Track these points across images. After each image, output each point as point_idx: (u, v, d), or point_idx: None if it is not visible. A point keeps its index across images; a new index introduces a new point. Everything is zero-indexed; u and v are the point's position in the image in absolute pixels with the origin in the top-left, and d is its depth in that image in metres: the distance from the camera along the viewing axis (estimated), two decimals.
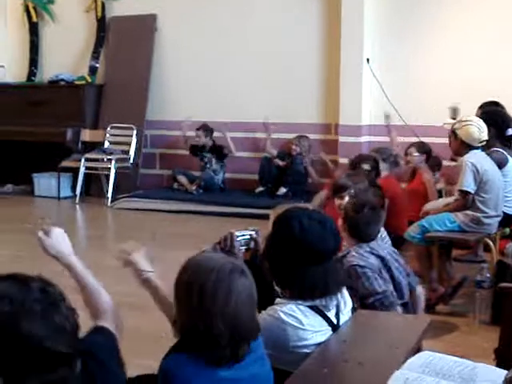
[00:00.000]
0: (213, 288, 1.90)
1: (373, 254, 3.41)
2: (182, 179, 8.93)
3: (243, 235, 2.61)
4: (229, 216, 7.86)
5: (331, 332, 2.44)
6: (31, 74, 10.27)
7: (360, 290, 3.24)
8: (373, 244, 3.48)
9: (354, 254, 3.37)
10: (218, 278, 1.91)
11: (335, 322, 2.47)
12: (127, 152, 9.24)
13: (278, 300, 2.45)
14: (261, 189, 8.67)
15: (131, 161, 9.24)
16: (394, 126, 7.84)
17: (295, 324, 2.37)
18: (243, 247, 2.59)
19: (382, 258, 3.43)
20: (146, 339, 4.16)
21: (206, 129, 8.84)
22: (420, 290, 3.66)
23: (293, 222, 2.40)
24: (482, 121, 4.96)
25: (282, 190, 8.40)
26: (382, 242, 3.82)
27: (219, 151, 8.86)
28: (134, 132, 9.23)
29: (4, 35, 10.50)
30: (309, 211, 2.53)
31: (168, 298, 2.38)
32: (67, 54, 10.03)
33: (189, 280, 1.95)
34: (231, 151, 8.84)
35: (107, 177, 9.16)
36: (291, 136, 8.60)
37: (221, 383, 1.94)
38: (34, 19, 10.21)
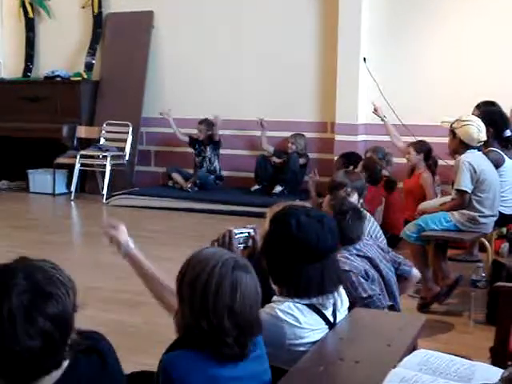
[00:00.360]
0: (216, 285, 1.88)
1: (359, 255, 3.35)
2: (177, 177, 8.93)
3: (241, 233, 2.59)
4: (224, 214, 7.86)
5: (328, 330, 2.44)
6: (27, 69, 10.25)
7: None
8: (359, 245, 3.40)
9: (338, 257, 3.32)
10: (222, 275, 1.89)
11: (332, 320, 2.46)
12: (123, 149, 9.23)
13: (275, 298, 2.44)
14: (256, 187, 8.66)
15: (127, 158, 9.23)
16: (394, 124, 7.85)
17: (292, 322, 2.36)
18: (241, 245, 2.57)
19: (369, 259, 3.38)
20: (142, 336, 4.15)
21: (208, 123, 8.84)
22: (414, 273, 3.60)
23: (290, 220, 2.38)
24: (480, 121, 4.96)
25: (278, 189, 8.39)
26: (377, 240, 3.80)
27: (212, 140, 8.83)
28: (130, 129, 9.22)
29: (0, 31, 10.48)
30: (306, 209, 2.51)
31: (152, 273, 2.45)
32: (63, 50, 10.01)
33: (191, 278, 1.93)
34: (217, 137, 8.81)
35: (102, 174, 9.15)
36: (287, 134, 8.60)
37: (222, 381, 1.92)
38: (30, 15, 10.19)
